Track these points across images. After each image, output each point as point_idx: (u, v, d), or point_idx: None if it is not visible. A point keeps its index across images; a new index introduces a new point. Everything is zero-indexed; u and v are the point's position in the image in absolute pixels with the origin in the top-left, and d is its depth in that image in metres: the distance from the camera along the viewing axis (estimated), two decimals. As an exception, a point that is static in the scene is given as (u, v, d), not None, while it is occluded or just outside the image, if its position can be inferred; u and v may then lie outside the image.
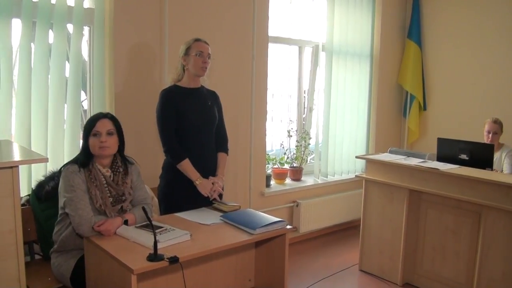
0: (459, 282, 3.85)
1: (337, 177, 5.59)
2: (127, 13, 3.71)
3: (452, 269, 3.89)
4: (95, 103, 3.66)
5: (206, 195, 3.25)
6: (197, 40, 3.29)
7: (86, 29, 3.69)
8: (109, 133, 2.79)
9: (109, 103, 3.67)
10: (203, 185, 3.25)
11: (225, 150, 3.53)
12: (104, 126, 2.78)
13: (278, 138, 5.37)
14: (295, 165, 5.35)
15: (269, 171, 5.10)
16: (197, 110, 3.31)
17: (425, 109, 6.10)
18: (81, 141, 3.04)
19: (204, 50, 3.27)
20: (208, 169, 3.38)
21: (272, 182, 5.11)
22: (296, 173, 5.31)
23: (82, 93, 3.70)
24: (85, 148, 2.78)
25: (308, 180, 5.38)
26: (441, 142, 4.35)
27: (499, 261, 3.56)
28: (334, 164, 5.55)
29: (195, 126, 3.30)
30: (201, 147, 3.35)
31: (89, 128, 2.76)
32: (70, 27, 3.51)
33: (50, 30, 3.38)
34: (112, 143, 2.80)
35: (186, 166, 3.22)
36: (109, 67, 3.65)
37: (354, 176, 5.48)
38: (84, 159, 2.76)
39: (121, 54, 3.71)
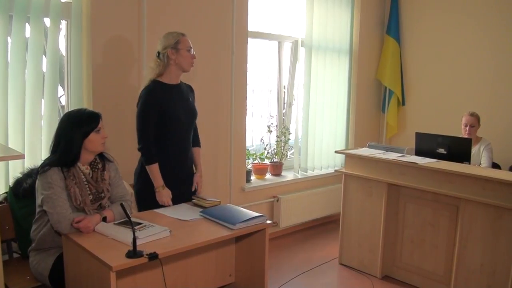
0: (438, 274, 3.91)
1: (316, 172, 5.62)
2: (105, 7, 3.67)
3: (431, 261, 3.94)
4: (73, 98, 3.61)
5: (161, 203, 3.24)
6: (183, 34, 3.27)
7: (63, 23, 3.64)
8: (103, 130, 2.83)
9: (87, 99, 3.63)
10: (163, 194, 3.23)
11: (199, 144, 3.57)
12: (101, 123, 2.80)
13: (258, 133, 5.37)
14: (275, 160, 5.37)
15: (249, 167, 5.11)
16: (182, 107, 3.30)
17: (403, 104, 6.16)
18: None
19: (191, 45, 3.27)
20: (190, 163, 3.44)
21: (253, 177, 5.12)
22: (276, 168, 5.33)
23: (60, 88, 3.65)
24: (78, 147, 2.72)
25: (288, 175, 5.40)
26: (419, 136, 4.40)
27: (477, 253, 3.62)
28: (313, 159, 5.58)
29: (181, 123, 3.29)
30: (185, 142, 3.37)
31: (93, 126, 2.74)
32: (47, 21, 3.45)
33: (27, 24, 3.32)
34: None
35: (155, 170, 3.21)
36: (86, 62, 3.61)
37: (333, 171, 5.53)
38: (72, 159, 2.71)
39: (99, 48, 3.66)
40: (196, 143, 3.54)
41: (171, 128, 3.25)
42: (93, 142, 2.75)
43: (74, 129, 2.72)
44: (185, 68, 3.27)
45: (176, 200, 3.27)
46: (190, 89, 3.49)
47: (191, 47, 3.26)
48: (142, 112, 3.20)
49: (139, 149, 3.23)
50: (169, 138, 3.26)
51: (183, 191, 3.36)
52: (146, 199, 3.27)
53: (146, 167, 3.21)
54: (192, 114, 3.40)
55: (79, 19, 3.55)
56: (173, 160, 3.30)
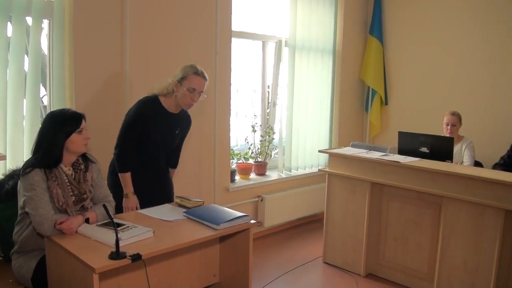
0: (421, 271, 3.95)
1: (300, 171, 5.64)
2: (87, 6, 3.63)
3: (414, 259, 3.98)
4: (55, 98, 3.58)
5: (125, 210, 3.26)
6: (195, 72, 3.23)
7: (45, 22, 3.61)
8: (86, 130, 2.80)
9: (69, 99, 3.61)
10: (130, 201, 3.26)
11: (175, 166, 3.64)
12: (84, 123, 2.77)
13: (242, 133, 5.37)
14: (259, 160, 5.37)
15: (233, 166, 5.10)
16: (163, 136, 3.34)
17: (386, 103, 6.20)
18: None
19: (198, 87, 3.22)
20: (154, 183, 3.44)
21: (237, 177, 5.12)
22: (261, 168, 5.33)
23: (42, 88, 3.62)
24: (60, 148, 2.70)
25: (272, 175, 5.41)
26: (402, 135, 4.43)
27: (460, 250, 3.66)
28: (297, 159, 5.59)
29: (154, 148, 3.35)
30: (151, 164, 3.40)
31: (75, 127, 2.71)
32: (29, 20, 3.42)
33: (9, 23, 3.29)
34: None
35: (126, 178, 3.25)
36: (69, 61, 3.58)
37: (317, 170, 5.54)
38: (55, 160, 2.69)
39: (81, 48, 3.63)
40: (173, 164, 3.61)
41: (141, 146, 3.28)
42: (75, 143, 2.73)
43: (56, 130, 2.70)
44: (181, 105, 3.29)
45: (148, 203, 3.29)
46: (186, 122, 3.51)
47: (194, 89, 3.21)
48: (129, 120, 3.24)
49: (114, 154, 3.27)
50: (144, 154, 3.31)
51: (161, 193, 3.45)
52: (115, 198, 3.27)
53: (119, 173, 3.24)
54: (169, 145, 3.46)
55: (61, 18, 3.53)
56: (145, 174, 3.36)
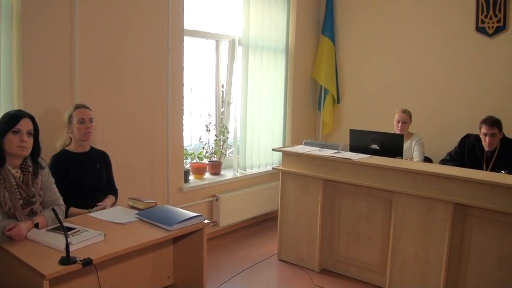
0: (374, 265, 4.04)
1: (255, 170, 5.66)
2: (36, 4, 3.52)
3: (367, 253, 4.07)
4: (3, 99, 3.47)
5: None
6: (77, 107, 3.42)
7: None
8: (29, 133, 2.73)
9: (18, 99, 3.50)
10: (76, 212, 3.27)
11: (114, 194, 3.64)
12: (26, 125, 2.71)
13: (196, 132, 5.35)
14: (214, 159, 5.37)
15: (187, 166, 5.07)
16: (86, 174, 3.41)
17: (338, 102, 6.31)
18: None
19: (85, 116, 3.40)
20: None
21: (191, 177, 5.09)
22: (215, 168, 5.33)
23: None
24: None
25: (227, 174, 5.41)
26: (354, 133, 4.52)
27: (410, 243, 3.77)
28: (252, 158, 5.62)
29: (84, 189, 3.38)
30: (91, 199, 3.40)
31: (10, 125, 2.66)
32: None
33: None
34: (30, 144, 2.75)
35: (73, 212, 3.25)
36: (17, 62, 3.46)
37: (271, 169, 5.58)
38: None
39: (30, 47, 3.50)
40: (112, 192, 3.61)
41: (73, 192, 3.30)
42: (8, 143, 2.68)
43: None
44: (80, 138, 3.41)
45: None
46: (103, 156, 3.62)
47: (83, 119, 3.38)
48: None
49: None
50: (71, 198, 3.30)
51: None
52: None
53: None
54: (98, 181, 3.52)
55: (9, 17, 3.40)
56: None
